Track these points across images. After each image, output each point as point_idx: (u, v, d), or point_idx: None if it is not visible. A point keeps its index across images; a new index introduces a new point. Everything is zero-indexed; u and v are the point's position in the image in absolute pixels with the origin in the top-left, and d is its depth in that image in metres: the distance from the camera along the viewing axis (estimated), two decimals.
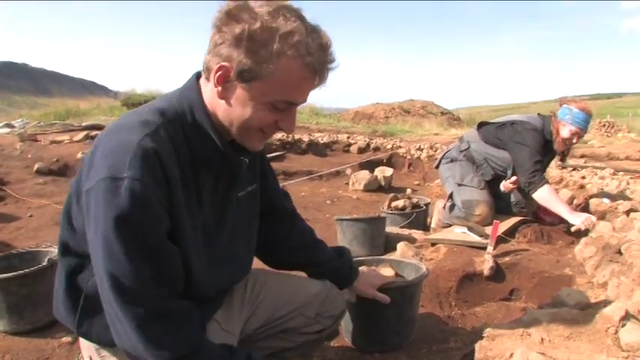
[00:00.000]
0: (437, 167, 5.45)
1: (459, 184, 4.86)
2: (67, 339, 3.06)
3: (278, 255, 2.29)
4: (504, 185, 4.73)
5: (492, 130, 4.85)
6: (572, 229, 4.08)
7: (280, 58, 1.45)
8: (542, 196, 4.29)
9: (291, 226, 2.27)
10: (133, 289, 1.42)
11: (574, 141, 4.47)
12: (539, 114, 4.84)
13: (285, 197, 2.27)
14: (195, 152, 1.61)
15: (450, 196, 4.97)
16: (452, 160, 5.13)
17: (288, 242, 2.26)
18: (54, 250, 3.47)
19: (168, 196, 1.49)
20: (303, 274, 2.36)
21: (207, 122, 1.61)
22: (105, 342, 1.67)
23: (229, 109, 1.57)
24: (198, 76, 1.67)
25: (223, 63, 1.49)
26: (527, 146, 4.43)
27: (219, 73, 1.50)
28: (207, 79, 1.58)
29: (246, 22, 1.44)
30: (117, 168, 1.38)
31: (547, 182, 4.33)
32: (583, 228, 3.98)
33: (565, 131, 4.40)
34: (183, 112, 1.60)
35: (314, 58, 1.48)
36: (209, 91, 1.59)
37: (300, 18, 1.49)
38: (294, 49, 1.45)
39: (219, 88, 1.54)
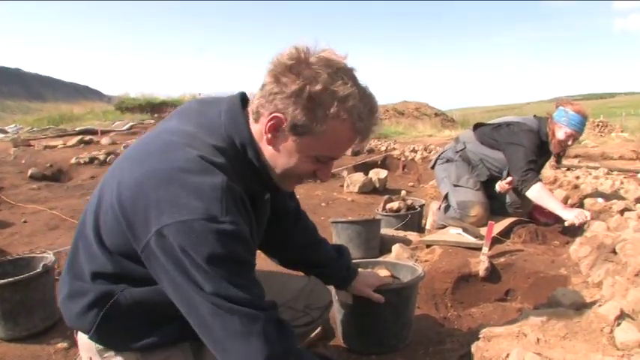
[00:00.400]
0: (432, 168, 5.45)
1: (455, 185, 4.86)
2: (62, 344, 3.05)
3: (281, 253, 2.35)
4: (500, 185, 4.73)
5: (488, 131, 4.86)
6: (566, 223, 4.09)
7: (334, 120, 1.56)
8: (535, 193, 4.30)
9: (293, 224, 2.30)
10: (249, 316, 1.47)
11: (569, 143, 4.48)
12: (535, 115, 4.84)
13: (289, 196, 2.28)
14: (248, 189, 1.67)
15: (445, 197, 4.97)
16: (447, 161, 5.12)
17: (291, 240, 2.30)
18: (48, 256, 3.46)
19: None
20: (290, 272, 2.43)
21: (259, 162, 1.68)
22: (119, 348, 1.74)
23: (276, 154, 1.66)
24: (243, 103, 1.74)
25: (278, 114, 1.57)
26: (522, 146, 4.44)
27: (272, 122, 1.58)
28: (256, 121, 1.65)
29: (306, 79, 1.52)
30: (212, 210, 1.43)
31: (540, 180, 4.33)
32: (577, 223, 3.98)
33: (560, 133, 4.40)
34: (238, 151, 1.66)
35: (364, 123, 1.60)
36: (257, 132, 1.66)
37: (355, 81, 1.59)
38: (348, 114, 1.55)
39: (269, 136, 1.62)
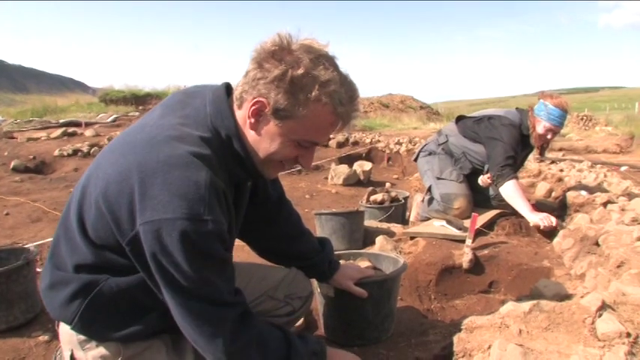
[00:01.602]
0: (415, 160, 5.45)
1: (438, 178, 4.86)
2: (43, 337, 3.03)
3: (263, 242, 2.36)
4: (482, 180, 4.74)
5: (470, 124, 4.87)
6: (532, 224, 4.13)
7: (316, 104, 1.60)
8: (507, 190, 4.31)
9: (276, 212, 2.30)
10: (220, 306, 1.59)
11: (549, 137, 4.48)
12: (517, 108, 4.84)
13: (271, 183, 2.26)
14: (232, 177, 1.74)
15: (429, 190, 4.97)
16: (430, 154, 5.12)
17: (273, 228, 2.30)
18: (30, 249, 3.44)
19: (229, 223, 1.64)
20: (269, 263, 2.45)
21: (244, 152, 1.72)
22: (100, 338, 1.77)
23: (258, 139, 1.70)
24: (227, 93, 1.77)
25: (260, 98, 1.61)
26: (501, 141, 4.44)
27: (255, 106, 1.63)
28: (239, 107, 1.70)
29: (288, 64, 1.57)
30: (195, 209, 1.46)
31: (515, 178, 4.35)
32: (541, 226, 4.03)
33: (540, 127, 4.42)
34: (223, 141, 1.69)
35: (344, 108, 1.65)
36: (240, 118, 1.71)
37: (336, 68, 1.64)
38: (329, 98, 1.60)
39: (252, 120, 1.66)
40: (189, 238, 1.44)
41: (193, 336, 1.58)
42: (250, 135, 1.70)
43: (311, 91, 1.58)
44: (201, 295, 1.53)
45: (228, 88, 1.79)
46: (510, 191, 4.29)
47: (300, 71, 1.56)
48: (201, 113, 1.70)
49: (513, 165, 4.40)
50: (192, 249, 1.45)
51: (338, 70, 1.64)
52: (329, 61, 1.63)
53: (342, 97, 1.62)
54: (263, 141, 1.69)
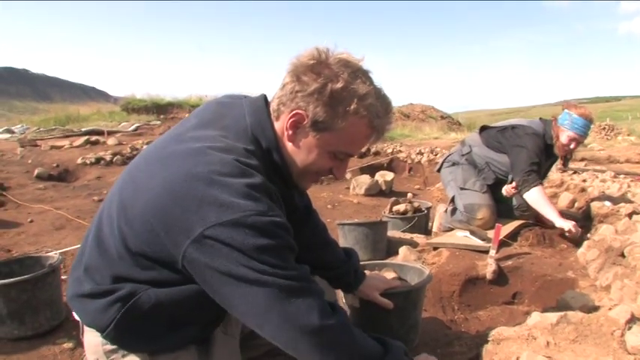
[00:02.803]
0: (438, 171, 5.44)
1: (461, 188, 4.84)
2: (68, 344, 3.06)
3: None
4: (506, 190, 4.71)
5: (494, 134, 4.85)
6: (557, 225, 4.11)
7: (354, 117, 1.64)
8: (533, 196, 4.28)
9: (303, 222, 2.27)
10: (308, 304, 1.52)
11: (572, 147, 4.44)
12: (540, 118, 4.81)
13: (298, 194, 2.25)
14: (276, 189, 1.69)
15: (452, 200, 4.95)
16: (454, 164, 5.11)
17: (299, 238, 2.26)
18: (54, 256, 3.48)
19: None
20: None
21: (282, 163, 1.75)
22: (131, 349, 1.74)
23: (296, 150, 1.73)
24: (266, 103, 1.79)
25: (299, 111, 1.65)
26: (525, 149, 4.41)
27: (293, 118, 1.66)
28: (277, 119, 1.73)
29: (327, 78, 1.60)
30: (260, 207, 1.47)
31: (540, 184, 4.32)
32: (567, 232, 4.03)
33: (563, 137, 4.39)
34: (264, 152, 1.70)
35: (380, 120, 1.70)
36: (278, 129, 1.73)
37: (372, 82, 1.69)
38: (367, 111, 1.64)
39: (290, 132, 1.69)
40: (262, 231, 1.44)
41: (282, 318, 1.50)
42: (288, 146, 1.73)
43: (350, 105, 1.61)
44: (284, 279, 1.48)
45: (265, 99, 1.81)
46: (536, 197, 4.27)
47: (340, 85, 1.60)
48: (241, 124, 1.71)
49: (538, 172, 4.37)
50: (267, 242, 1.45)
51: (373, 84, 1.68)
52: (365, 75, 1.67)
53: (378, 110, 1.67)
54: (301, 152, 1.72)
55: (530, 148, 4.40)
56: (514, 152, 4.52)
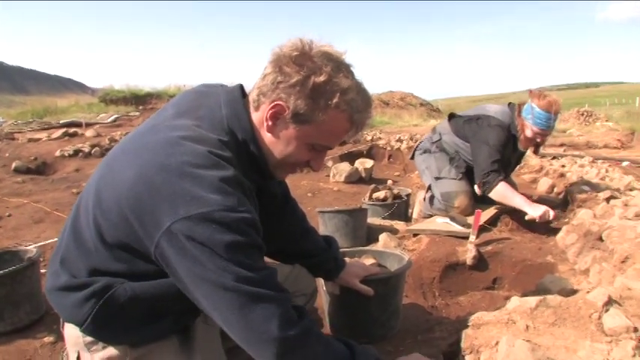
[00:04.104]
0: (412, 158, 5.44)
1: (437, 178, 4.85)
2: (49, 339, 3.03)
3: (270, 241, 2.31)
4: (477, 190, 4.72)
5: (461, 124, 4.84)
6: (526, 217, 4.07)
7: (335, 110, 1.64)
8: (497, 194, 4.28)
9: (281, 209, 2.29)
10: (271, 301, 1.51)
11: (538, 140, 4.38)
12: (510, 104, 4.70)
13: (276, 182, 2.24)
14: (251, 180, 1.70)
15: (429, 188, 4.96)
16: (425, 151, 5.13)
17: (278, 226, 2.26)
18: (33, 249, 3.44)
19: None
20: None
21: (259, 154, 1.74)
22: (110, 341, 1.73)
23: (274, 141, 1.72)
24: (242, 93, 1.80)
25: (280, 102, 1.63)
26: (486, 145, 4.38)
27: (273, 109, 1.65)
28: (257, 109, 1.71)
29: (310, 70, 1.60)
30: (230, 201, 1.45)
31: (501, 180, 4.27)
32: (537, 219, 3.98)
33: (528, 131, 4.31)
34: (239, 144, 1.70)
35: (360, 115, 1.70)
36: (257, 120, 1.72)
37: (353, 76, 1.69)
38: (348, 105, 1.64)
39: (270, 123, 1.68)
40: (229, 227, 1.43)
41: (243, 326, 1.49)
42: (267, 137, 1.72)
43: (332, 98, 1.61)
44: (247, 280, 1.46)
45: (241, 89, 1.81)
46: (501, 194, 4.25)
47: (323, 78, 1.59)
48: (216, 115, 1.70)
49: (498, 170, 4.33)
50: (233, 238, 1.43)
51: (355, 78, 1.68)
52: (347, 69, 1.67)
53: (358, 105, 1.67)
54: (279, 144, 1.72)
55: (492, 144, 4.36)
56: (476, 148, 4.51)
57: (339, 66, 1.64)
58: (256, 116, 1.72)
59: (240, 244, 1.45)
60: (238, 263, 1.44)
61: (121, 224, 1.53)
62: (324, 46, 1.65)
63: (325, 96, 1.61)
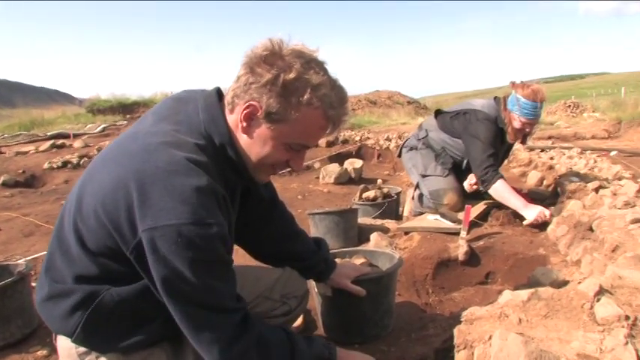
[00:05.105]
0: (399, 156, 5.44)
1: (423, 175, 4.86)
2: (42, 352, 3.02)
3: (258, 244, 2.35)
4: (467, 187, 4.71)
5: (448, 120, 4.84)
6: (525, 222, 4.06)
7: (307, 107, 1.64)
8: (497, 191, 4.27)
9: (269, 212, 2.29)
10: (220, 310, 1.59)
11: (527, 130, 4.39)
12: (495, 97, 4.69)
13: (263, 185, 2.25)
14: (228, 183, 1.75)
15: (417, 187, 4.96)
16: (412, 149, 5.13)
17: (268, 229, 2.30)
18: (24, 264, 3.42)
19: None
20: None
21: (237, 157, 1.75)
22: (102, 350, 1.76)
23: (250, 143, 1.73)
24: (218, 97, 1.80)
25: (252, 102, 1.64)
26: (479, 139, 4.38)
27: (247, 110, 1.66)
28: (232, 111, 1.72)
29: (280, 69, 1.60)
30: (198, 214, 1.46)
31: (501, 177, 4.28)
32: (535, 223, 3.99)
33: (516, 123, 4.31)
34: (217, 148, 1.71)
35: (335, 111, 1.70)
36: (233, 122, 1.73)
37: (326, 72, 1.69)
38: (320, 101, 1.64)
39: (244, 124, 1.69)
40: (193, 243, 1.44)
41: (195, 341, 1.59)
42: (243, 139, 1.72)
43: (303, 95, 1.61)
44: (202, 301, 1.53)
45: (219, 93, 1.81)
46: (500, 191, 4.25)
47: (292, 75, 1.59)
48: (194, 120, 1.72)
49: (495, 163, 4.35)
50: (197, 254, 1.46)
51: (328, 75, 1.68)
52: (319, 66, 1.67)
53: (332, 101, 1.66)
54: (255, 144, 1.72)
55: (484, 139, 4.36)
56: (468, 142, 4.51)
57: (310, 62, 1.64)
58: (232, 119, 1.73)
59: (201, 261, 1.48)
60: (195, 282, 1.49)
61: (100, 230, 1.56)
62: (295, 45, 1.66)
63: (296, 93, 1.62)
